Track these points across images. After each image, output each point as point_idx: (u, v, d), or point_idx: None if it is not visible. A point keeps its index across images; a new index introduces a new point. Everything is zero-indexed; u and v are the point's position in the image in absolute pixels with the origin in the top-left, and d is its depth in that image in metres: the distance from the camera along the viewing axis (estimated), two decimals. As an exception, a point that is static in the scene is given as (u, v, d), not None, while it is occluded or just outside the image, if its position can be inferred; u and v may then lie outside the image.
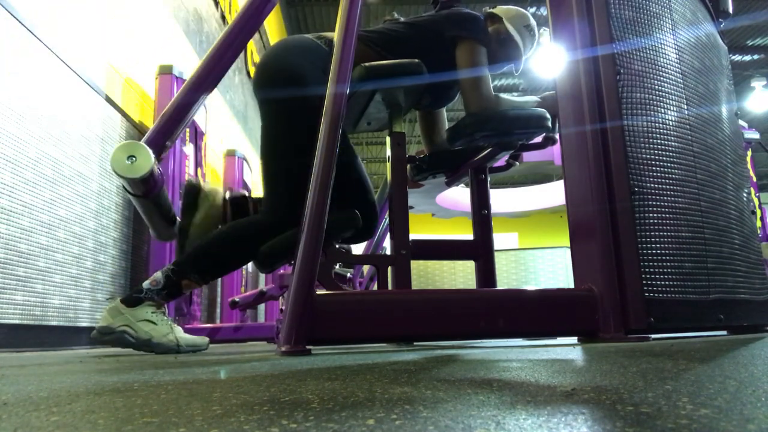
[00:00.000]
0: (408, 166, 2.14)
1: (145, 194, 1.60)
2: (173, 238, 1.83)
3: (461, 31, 1.81)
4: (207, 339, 1.78)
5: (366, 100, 1.75)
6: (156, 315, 1.66)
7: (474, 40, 1.81)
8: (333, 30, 1.61)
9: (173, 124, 1.74)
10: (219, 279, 5.61)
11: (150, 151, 1.55)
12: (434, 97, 2.01)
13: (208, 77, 1.82)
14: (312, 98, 1.52)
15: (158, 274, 1.65)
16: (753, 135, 5.34)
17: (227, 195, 1.81)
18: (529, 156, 6.10)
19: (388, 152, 1.84)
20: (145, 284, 1.64)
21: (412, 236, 1.82)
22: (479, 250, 2.16)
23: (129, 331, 1.61)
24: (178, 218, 1.83)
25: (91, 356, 1.87)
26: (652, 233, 1.42)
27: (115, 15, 3.62)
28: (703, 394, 0.48)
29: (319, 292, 1.28)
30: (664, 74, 1.57)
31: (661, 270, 1.40)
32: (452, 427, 0.38)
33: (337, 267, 3.94)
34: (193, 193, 1.77)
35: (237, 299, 4.40)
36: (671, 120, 1.55)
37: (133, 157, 1.53)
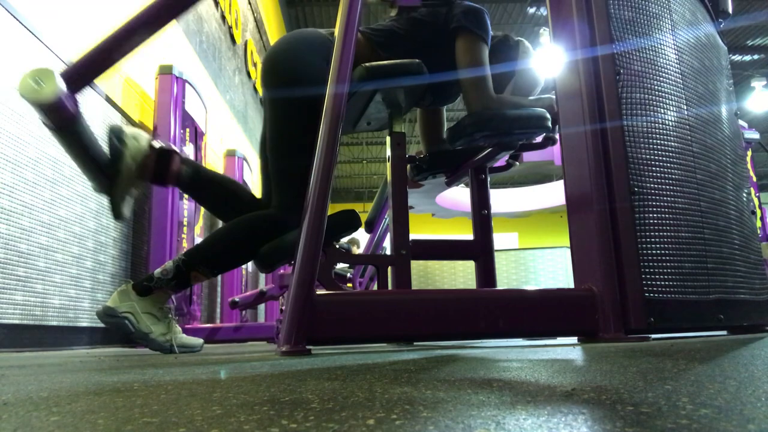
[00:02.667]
0: (408, 166, 2.14)
1: (58, 127, 1.54)
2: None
3: (462, 21, 1.77)
4: (201, 341, 1.79)
5: (366, 100, 1.75)
6: (161, 311, 1.68)
7: (476, 35, 1.77)
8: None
9: (103, 58, 1.61)
10: (219, 278, 5.61)
11: (58, 77, 1.48)
12: (436, 96, 2.01)
13: (160, 15, 1.61)
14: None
15: (169, 264, 1.67)
16: (753, 135, 5.33)
17: (156, 144, 1.72)
18: (529, 156, 6.11)
19: (388, 152, 1.84)
20: (156, 272, 1.66)
21: (412, 236, 1.82)
22: (479, 250, 2.16)
23: (131, 319, 1.63)
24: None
25: (91, 356, 1.87)
26: (652, 233, 1.42)
27: (115, 15, 3.62)
28: (703, 394, 0.48)
29: (319, 292, 1.28)
30: (663, 74, 1.57)
31: (661, 270, 1.40)
32: (452, 427, 0.38)
33: (338, 267, 3.94)
34: (117, 134, 1.68)
35: (237, 299, 4.40)
36: (671, 120, 1.55)
37: (41, 81, 1.46)
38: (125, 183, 1.65)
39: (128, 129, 1.69)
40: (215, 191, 1.80)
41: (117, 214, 1.69)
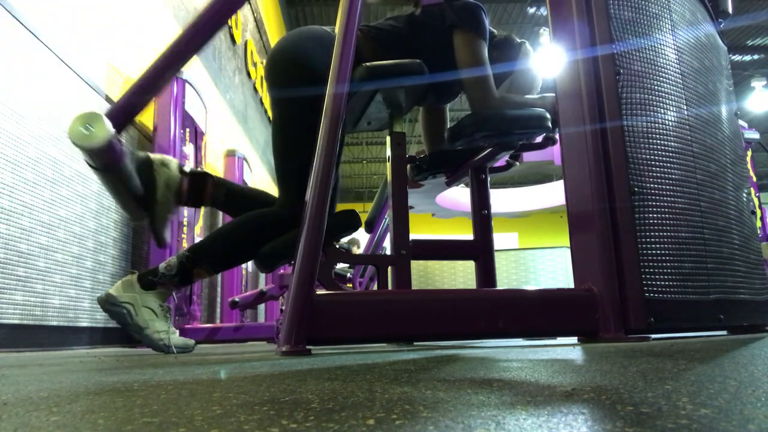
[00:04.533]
0: (408, 166, 2.14)
1: (104, 167, 1.57)
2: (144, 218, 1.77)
3: (457, 19, 1.75)
4: (193, 341, 1.81)
5: (367, 100, 1.75)
6: (161, 309, 1.68)
7: (472, 32, 1.75)
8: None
9: (139, 97, 1.67)
10: (219, 278, 5.61)
11: (107, 121, 1.51)
12: (438, 95, 2.01)
13: (185, 50, 1.69)
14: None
15: (173, 259, 1.68)
16: (753, 135, 5.33)
17: (186, 168, 1.77)
18: (529, 156, 6.10)
19: (388, 152, 1.84)
20: (161, 267, 1.67)
21: (412, 236, 1.82)
22: (479, 250, 2.16)
23: (131, 310, 1.64)
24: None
25: (91, 356, 1.87)
26: (652, 233, 1.42)
27: (115, 15, 3.62)
28: (703, 394, 0.48)
29: (319, 292, 1.28)
30: (663, 75, 1.57)
31: (661, 270, 1.40)
32: (452, 427, 0.38)
33: (337, 267, 3.94)
34: (146, 165, 1.70)
35: (237, 299, 4.40)
36: (671, 120, 1.55)
37: (90, 126, 1.48)
38: (162, 210, 1.71)
39: (154, 156, 1.73)
40: (246, 206, 1.82)
41: (160, 242, 1.75)
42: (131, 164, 1.64)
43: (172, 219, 1.76)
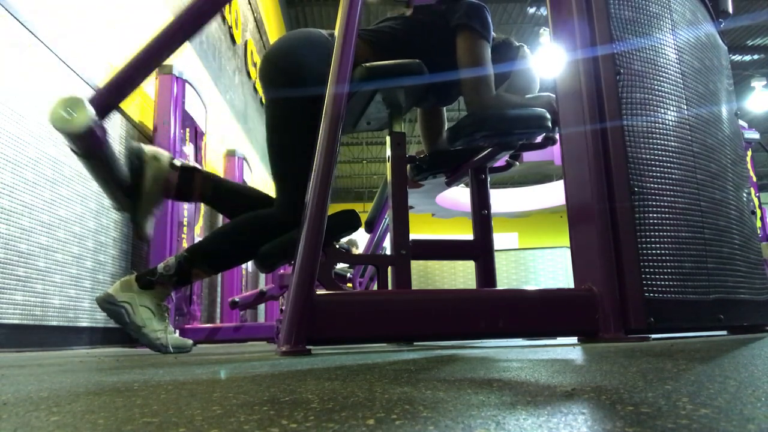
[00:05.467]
0: (408, 166, 2.14)
1: (86, 153, 1.55)
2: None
3: (463, 19, 1.75)
4: (191, 341, 1.81)
5: (367, 100, 1.75)
6: (159, 308, 1.69)
7: (478, 32, 1.75)
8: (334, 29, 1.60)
9: (124, 84, 1.65)
10: (219, 278, 5.61)
11: (88, 106, 1.50)
12: (438, 96, 2.01)
13: (172, 41, 1.68)
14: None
15: (171, 260, 1.68)
16: (753, 135, 5.34)
17: (177, 162, 1.74)
18: (529, 156, 6.11)
19: (388, 152, 1.84)
20: (160, 267, 1.67)
21: (412, 236, 1.82)
22: (479, 250, 2.15)
23: (128, 309, 1.65)
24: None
25: (91, 356, 1.87)
26: (652, 233, 1.42)
27: (116, 15, 3.62)
28: (703, 394, 0.48)
29: (319, 292, 1.28)
30: (664, 74, 1.57)
31: (661, 270, 1.40)
32: (452, 427, 0.38)
33: (337, 267, 3.94)
34: (137, 156, 1.69)
35: (237, 299, 4.40)
36: (671, 120, 1.55)
37: (72, 110, 1.47)
38: (147, 203, 1.68)
39: (147, 148, 1.72)
40: (236, 202, 1.82)
41: (140, 234, 1.72)
42: (124, 153, 1.62)
43: (156, 213, 1.74)
